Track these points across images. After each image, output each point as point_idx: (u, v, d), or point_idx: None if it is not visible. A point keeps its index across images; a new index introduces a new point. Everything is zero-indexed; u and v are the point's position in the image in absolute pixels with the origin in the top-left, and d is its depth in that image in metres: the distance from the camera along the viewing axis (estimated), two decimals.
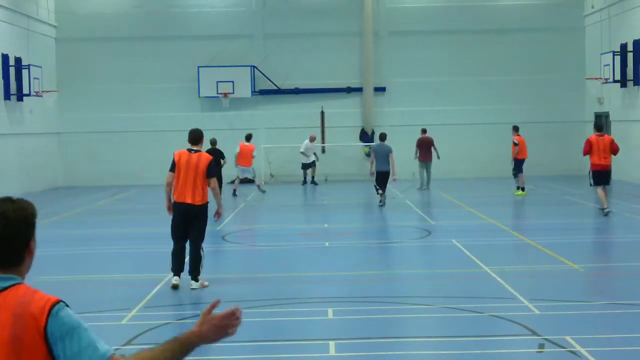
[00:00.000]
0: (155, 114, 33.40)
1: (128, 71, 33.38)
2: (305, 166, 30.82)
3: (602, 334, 8.73)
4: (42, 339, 2.97)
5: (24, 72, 28.48)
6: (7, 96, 27.87)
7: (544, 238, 15.77)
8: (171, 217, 11.71)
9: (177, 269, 11.53)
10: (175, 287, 11.36)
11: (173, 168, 11.54)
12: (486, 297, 10.73)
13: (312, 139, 30.62)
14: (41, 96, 29.83)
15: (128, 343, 8.69)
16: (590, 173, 19.26)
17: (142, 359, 3.12)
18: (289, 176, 32.78)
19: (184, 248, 11.66)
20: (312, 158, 30.65)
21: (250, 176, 26.79)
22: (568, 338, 8.44)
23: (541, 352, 8.09)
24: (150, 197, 27.72)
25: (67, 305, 3.06)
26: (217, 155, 24.40)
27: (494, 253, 15.01)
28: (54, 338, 2.98)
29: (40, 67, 29.76)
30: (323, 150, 33.32)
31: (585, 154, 19.59)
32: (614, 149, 19.19)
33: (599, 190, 19.06)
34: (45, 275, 13.44)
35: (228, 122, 33.28)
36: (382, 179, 22.25)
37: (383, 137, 22.91)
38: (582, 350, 8.00)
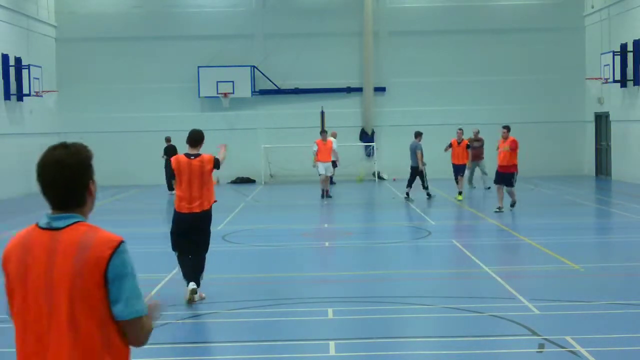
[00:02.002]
0: (155, 114, 33.40)
1: (128, 71, 33.38)
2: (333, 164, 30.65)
3: (602, 334, 8.73)
4: (101, 275, 3.20)
5: (24, 72, 28.48)
6: (7, 96, 27.88)
7: (544, 238, 15.77)
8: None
9: (190, 275, 10.63)
10: (193, 292, 10.42)
11: (174, 176, 10.72)
12: (486, 297, 10.73)
13: (333, 136, 30.29)
14: (41, 96, 29.83)
15: None
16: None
17: (147, 322, 3.38)
18: (289, 176, 32.80)
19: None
20: (332, 157, 30.34)
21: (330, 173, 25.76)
22: (568, 338, 8.45)
23: (541, 352, 8.09)
24: (150, 197, 27.71)
25: (126, 250, 3.27)
26: (173, 152, 25.26)
27: (494, 253, 15.02)
28: (111, 277, 3.22)
29: (40, 67, 29.76)
30: None
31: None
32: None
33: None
34: None
35: (228, 122, 33.29)
36: (410, 174, 24.05)
37: (416, 134, 24.40)
38: (582, 350, 8.00)
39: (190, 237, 10.59)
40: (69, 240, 3.23)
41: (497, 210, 20.01)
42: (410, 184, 24.04)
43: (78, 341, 3.19)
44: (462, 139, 24.44)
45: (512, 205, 20.35)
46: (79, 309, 3.20)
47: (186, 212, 10.54)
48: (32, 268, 3.24)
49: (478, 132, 27.26)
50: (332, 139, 29.81)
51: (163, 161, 28.10)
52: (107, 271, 3.21)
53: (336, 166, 30.01)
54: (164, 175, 28.04)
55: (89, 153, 3.40)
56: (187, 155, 10.59)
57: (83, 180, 3.31)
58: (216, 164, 10.61)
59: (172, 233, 10.78)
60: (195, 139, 10.66)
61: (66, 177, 3.27)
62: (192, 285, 10.47)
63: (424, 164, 23.85)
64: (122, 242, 3.27)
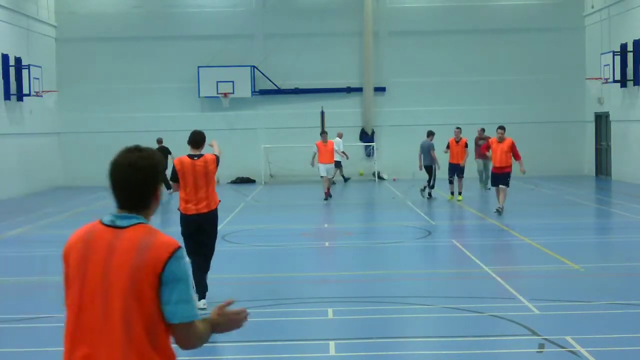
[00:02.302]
0: (155, 114, 33.40)
1: (128, 71, 33.38)
2: (337, 164, 30.70)
3: (602, 334, 8.73)
4: (156, 276, 3.31)
5: (24, 72, 28.48)
6: (7, 96, 27.87)
7: (544, 238, 15.77)
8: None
9: (201, 288, 10.36)
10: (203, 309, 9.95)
11: (176, 178, 10.41)
12: (486, 297, 10.73)
13: (339, 136, 30.43)
14: (41, 96, 29.83)
15: None
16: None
17: (199, 328, 3.47)
18: (289, 176, 32.79)
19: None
20: (338, 157, 30.37)
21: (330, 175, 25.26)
22: (568, 338, 8.45)
23: (541, 352, 8.09)
24: None
25: (183, 255, 3.38)
26: (165, 153, 26.33)
27: (494, 253, 15.02)
28: (165, 279, 3.32)
29: (40, 67, 29.76)
30: None
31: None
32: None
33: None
34: (46, 275, 13.44)
35: (228, 122, 33.29)
36: (426, 172, 24.02)
37: (428, 133, 24.33)
38: (582, 350, 8.00)
39: (197, 239, 10.42)
40: (130, 240, 3.36)
41: (498, 210, 19.79)
42: (431, 183, 23.87)
43: (130, 339, 3.31)
44: (461, 138, 23.78)
45: (500, 211, 19.54)
46: (132, 307, 3.31)
47: (194, 214, 10.36)
48: (91, 263, 3.38)
49: (484, 131, 27.02)
50: (338, 139, 29.86)
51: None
52: (163, 273, 3.32)
53: (340, 166, 30.07)
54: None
55: (161, 158, 3.53)
56: (190, 156, 10.44)
57: (153, 184, 3.46)
58: (218, 162, 10.50)
59: (184, 237, 10.49)
60: (197, 140, 10.54)
61: (138, 180, 3.42)
62: (204, 305, 10.15)
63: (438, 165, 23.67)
64: (179, 247, 3.37)
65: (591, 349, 8.05)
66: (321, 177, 24.87)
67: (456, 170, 23.47)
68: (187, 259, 3.39)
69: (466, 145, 23.72)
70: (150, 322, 3.34)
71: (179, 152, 35.70)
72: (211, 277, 12.10)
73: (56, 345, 8.88)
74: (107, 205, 25.04)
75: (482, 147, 22.07)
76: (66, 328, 3.42)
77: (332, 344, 8.59)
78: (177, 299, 3.34)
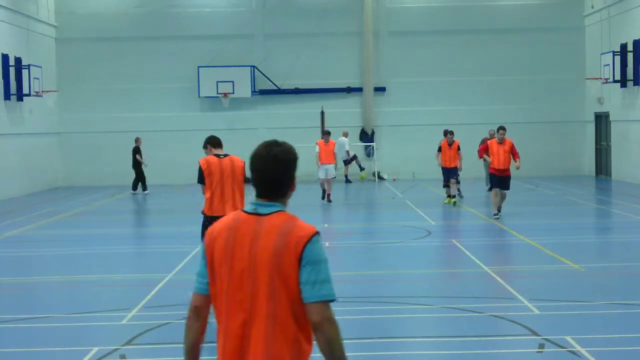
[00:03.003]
0: (155, 114, 33.41)
1: (128, 71, 33.39)
2: (345, 162, 31.16)
3: (602, 334, 8.73)
4: (297, 258, 3.61)
5: (24, 72, 28.48)
6: (7, 96, 27.87)
7: (544, 238, 15.77)
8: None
9: None
10: None
11: (203, 179, 10.12)
12: (486, 297, 10.73)
13: (345, 135, 30.49)
14: (41, 96, 29.83)
15: (128, 343, 8.69)
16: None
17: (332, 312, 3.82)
18: None
19: None
20: (345, 156, 30.64)
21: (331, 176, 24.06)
22: (568, 338, 8.45)
23: (541, 352, 8.09)
24: (150, 197, 27.71)
25: (319, 240, 3.68)
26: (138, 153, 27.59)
27: (494, 253, 15.02)
28: (304, 261, 3.62)
29: (40, 67, 29.76)
30: None
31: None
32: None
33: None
34: (46, 275, 13.45)
35: (228, 122, 33.29)
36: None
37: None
38: (582, 350, 8.00)
39: None
40: (272, 225, 3.68)
41: (496, 215, 19.11)
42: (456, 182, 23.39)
43: (275, 315, 3.62)
44: (454, 141, 22.48)
45: (499, 215, 19.08)
46: (277, 286, 3.62)
47: (220, 215, 9.73)
48: (238, 247, 3.71)
49: (495, 133, 26.57)
50: (343, 138, 29.88)
51: (161, 161, 28.17)
52: (303, 255, 3.62)
53: (342, 165, 30.22)
54: (141, 175, 28.47)
55: (297, 152, 3.86)
56: (217, 155, 10.23)
57: (291, 174, 3.80)
58: (246, 170, 9.98)
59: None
60: (217, 141, 10.40)
61: (279, 171, 3.75)
62: None
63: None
64: (317, 232, 3.68)
65: (591, 349, 8.05)
66: (319, 178, 24.47)
67: (450, 174, 22.36)
68: (322, 244, 3.52)
69: (458, 148, 22.58)
70: (294, 301, 3.64)
71: (180, 151, 35.70)
72: None
73: (56, 345, 8.89)
74: (107, 206, 25.09)
75: (480, 149, 20.88)
76: (216, 306, 3.74)
77: None
78: (315, 279, 3.66)
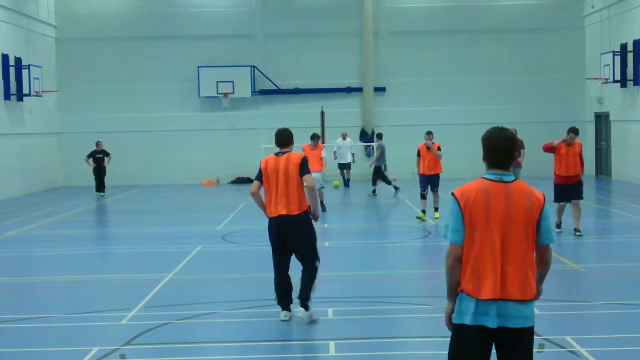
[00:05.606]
0: (155, 114, 33.41)
1: (128, 71, 33.39)
2: (341, 166, 29.76)
3: (602, 334, 8.73)
4: (539, 212, 5.05)
5: (24, 72, 28.48)
6: (7, 96, 27.88)
7: None
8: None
9: (284, 303, 9.69)
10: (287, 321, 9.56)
11: (260, 177, 9.71)
12: None
13: (344, 136, 29.94)
14: (41, 96, 29.83)
15: (128, 343, 8.69)
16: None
17: None
18: None
19: (289, 277, 9.76)
20: (349, 159, 29.84)
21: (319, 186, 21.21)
22: (568, 338, 8.45)
23: (541, 352, 8.09)
24: (150, 197, 27.72)
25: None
26: (104, 154, 27.91)
27: None
28: (543, 216, 5.07)
29: (40, 67, 29.76)
30: None
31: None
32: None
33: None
34: (46, 275, 13.45)
35: (228, 122, 33.28)
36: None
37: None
38: (582, 350, 8.00)
39: (286, 242, 9.60)
40: (519, 189, 5.06)
41: (578, 233, 16.46)
42: None
43: (525, 255, 5.03)
44: (433, 144, 19.17)
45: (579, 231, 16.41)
46: (528, 234, 5.02)
47: (273, 217, 9.55)
48: (494, 207, 5.00)
49: (516, 132, 25.51)
50: (341, 140, 29.69)
51: (161, 161, 28.15)
52: (542, 212, 5.05)
53: (349, 167, 29.81)
54: (97, 177, 28.44)
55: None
56: (276, 153, 9.87)
57: (516, 151, 5.13)
58: (303, 165, 9.53)
59: (271, 244, 9.80)
60: (284, 138, 10.03)
61: (512, 148, 5.11)
62: (285, 317, 9.60)
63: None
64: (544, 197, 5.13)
65: (591, 349, 8.05)
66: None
67: (430, 181, 19.30)
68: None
69: (439, 149, 19.33)
70: (534, 243, 5.06)
71: (180, 151, 35.66)
72: (212, 277, 12.11)
73: (56, 345, 8.89)
74: (107, 205, 25.09)
75: (546, 147, 18.49)
76: (466, 260, 5.03)
77: (332, 344, 8.59)
78: (547, 228, 5.08)
